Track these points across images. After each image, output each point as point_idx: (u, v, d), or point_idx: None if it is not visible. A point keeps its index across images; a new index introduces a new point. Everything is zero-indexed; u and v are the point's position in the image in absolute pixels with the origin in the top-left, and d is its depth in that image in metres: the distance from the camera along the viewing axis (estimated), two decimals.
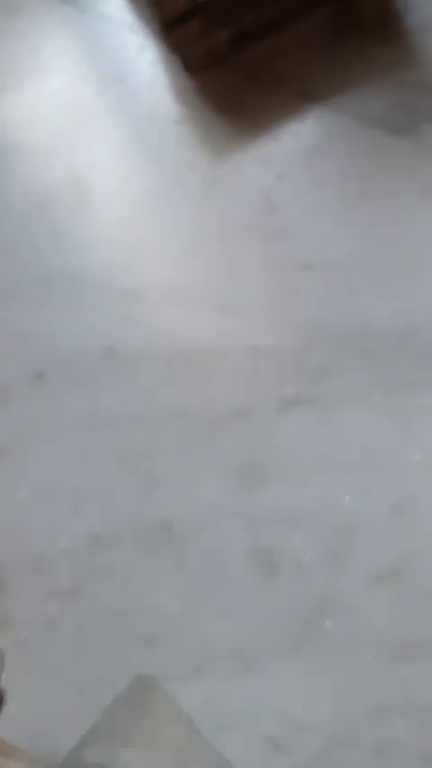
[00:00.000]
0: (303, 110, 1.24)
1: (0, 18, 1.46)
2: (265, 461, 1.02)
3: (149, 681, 0.82)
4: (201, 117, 1.28)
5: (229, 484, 1.02)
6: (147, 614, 0.98)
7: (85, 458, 1.08)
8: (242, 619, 0.95)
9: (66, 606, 1.01)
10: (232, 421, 1.06)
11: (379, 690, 0.89)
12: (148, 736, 0.74)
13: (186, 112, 1.29)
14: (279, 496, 1.00)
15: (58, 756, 0.90)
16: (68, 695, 0.96)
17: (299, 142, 1.22)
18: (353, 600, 0.93)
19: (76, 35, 1.41)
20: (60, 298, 1.20)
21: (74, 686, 0.97)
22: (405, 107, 1.22)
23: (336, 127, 1.21)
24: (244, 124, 1.26)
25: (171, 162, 1.27)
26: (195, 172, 1.24)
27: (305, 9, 1.28)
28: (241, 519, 1.00)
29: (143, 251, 1.20)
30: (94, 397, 1.12)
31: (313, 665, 0.91)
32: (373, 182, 1.15)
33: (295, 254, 1.12)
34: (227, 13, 1.20)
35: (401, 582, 0.94)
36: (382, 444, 1.00)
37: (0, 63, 1.44)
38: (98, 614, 0.99)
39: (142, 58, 1.36)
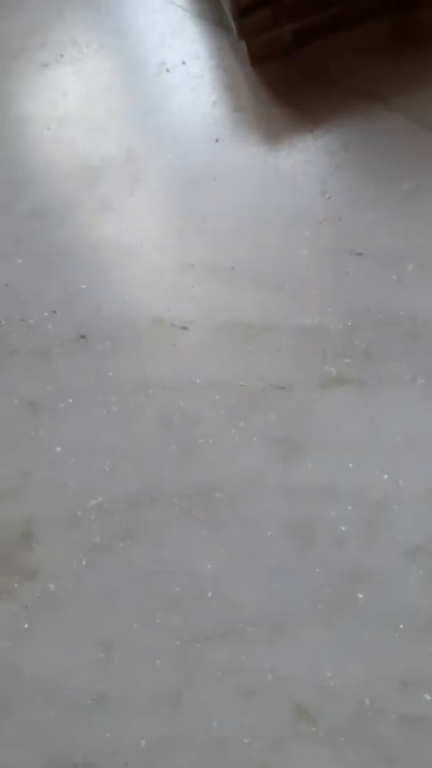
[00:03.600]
0: (360, 106, 1.27)
1: None
2: (305, 436, 1.03)
3: None
4: (260, 106, 1.31)
5: (269, 455, 1.03)
6: (178, 576, 0.98)
7: (124, 420, 1.09)
8: (275, 586, 0.96)
9: (96, 562, 1.01)
10: (274, 394, 1.07)
11: (408, 663, 0.90)
12: None
13: (245, 100, 1.32)
14: (317, 470, 1.01)
15: None
16: (93, 650, 0.96)
17: (355, 135, 1.25)
18: (386, 574, 0.94)
19: (139, 15, 1.44)
20: (108, 266, 1.22)
21: (99, 642, 0.96)
22: None
23: (391, 125, 1.24)
24: (301, 115, 1.29)
25: (228, 146, 1.29)
26: (252, 157, 1.26)
27: (370, 14, 1.33)
28: (279, 490, 1.01)
29: (194, 227, 1.22)
30: (136, 362, 1.13)
31: (344, 635, 0.92)
32: (426, 178, 1.18)
33: (346, 240, 1.15)
34: (295, 7, 1.24)
35: None
36: (422, 428, 1.02)
37: (61, 34, 1.47)
38: (128, 572, 0.99)
39: (205, 44, 1.39)
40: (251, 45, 1.27)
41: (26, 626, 0.99)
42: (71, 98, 1.38)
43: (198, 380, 1.10)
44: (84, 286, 1.20)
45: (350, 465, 1.01)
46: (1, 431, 1.11)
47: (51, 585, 1.01)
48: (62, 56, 1.42)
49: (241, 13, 1.19)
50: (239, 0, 1.17)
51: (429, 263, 1.11)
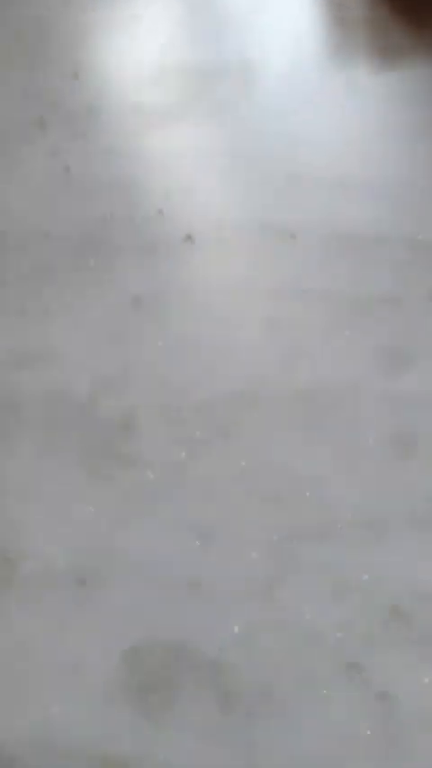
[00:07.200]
0: None
1: None
2: (412, 347, 1.03)
3: None
4: (376, 19, 1.28)
5: (374, 364, 1.03)
6: (275, 475, 0.99)
7: (227, 322, 1.09)
8: (374, 492, 0.96)
9: (195, 456, 1.02)
10: (382, 306, 1.06)
11: None
12: None
13: (362, 13, 1.28)
14: (423, 381, 1.01)
15: None
16: (190, 538, 0.98)
17: None
18: None
19: None
20: (216, 169, 1.21)
21: (196, 531, 0.98)
22: None
23: None
24: (420, 28, 1.25)
25: (342, 59, 1.26)
26: (365, 70, 1.23)
27: None
28: (382, 399, 1.01)
29: (305, 137, 1.20)
30: (242, 267, 1.12)
31: None
32: None
33: None
34: None
35: None
36: None
37: None
38: (227, 468, 1.01)
39: None
40: None
41: (126, 510, 1.01)
42: (187, 8, 1.36)
43: (304, 289, 1.09)
44: (192, 186, 1.19)
45: None
46: (106, 324, 1.12)
47: (150, 474, 1.02)
48: None
49: None
50: None
51: None
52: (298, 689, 0.88)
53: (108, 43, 1.37)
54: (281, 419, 1.02)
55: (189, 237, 1.15)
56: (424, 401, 0.99)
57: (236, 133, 1.22)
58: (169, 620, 0.95)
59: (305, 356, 1.04)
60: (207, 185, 1.18)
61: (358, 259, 1.09)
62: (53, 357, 1.12)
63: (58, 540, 1.00)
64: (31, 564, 1.00)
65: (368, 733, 0.85)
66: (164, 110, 1.26)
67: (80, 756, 0.91)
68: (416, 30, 1.25)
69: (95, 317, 1.13)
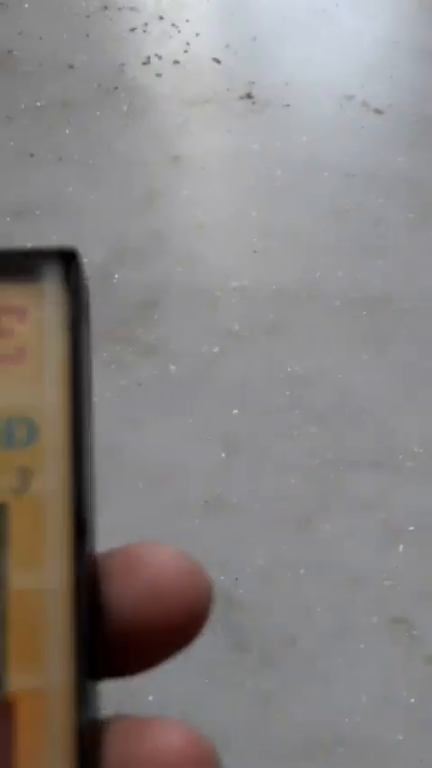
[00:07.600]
0: None
1: None
2: None
3: None
4: None
5: None
6: (327, 388, 0.82)
7: (287, 199, 0.90)
8: None
9: (231, 351, 0.84)
10: None
11: None
12: None
13: None
14: None
15: None
16: (214, 448, 0.81)
17: None
18: None
19: None
20: (297, 21, 1.01)
21: (222, 440, 0.81)
22: None
23: None
24: None
25: None
26: None
27: None
28: None
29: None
30: (313, 138, 0.93)
31: None
32: None
33: None
34: None
35: None
36: None
37: None
38: (268, 371, 0.83)
39: None
40: None
41: (137, 405, 0.83)
42: None
43: (385, 173, 0.91)
44: (260, 36, 0.99)
45: None
46: (134, 182, 0.92)
47: (173, 367, 0.84)
48: None
49: None
50: None
51: None
52: (330, 639, 0.73)
53: None
54: (341, 324, 0.85)
55: (249, 96, 0.96)
56: None
57: None
58: (177, 540, 0.78)
59: (378, 255, 0.87)
60: (279, 37, 0.99)
61: None
62: (62, 213, 0.91)
63: None
64: None
65: (412, 701, 0.71)
66: None
67: None
68: None
69: (120, 171, 0.93)
